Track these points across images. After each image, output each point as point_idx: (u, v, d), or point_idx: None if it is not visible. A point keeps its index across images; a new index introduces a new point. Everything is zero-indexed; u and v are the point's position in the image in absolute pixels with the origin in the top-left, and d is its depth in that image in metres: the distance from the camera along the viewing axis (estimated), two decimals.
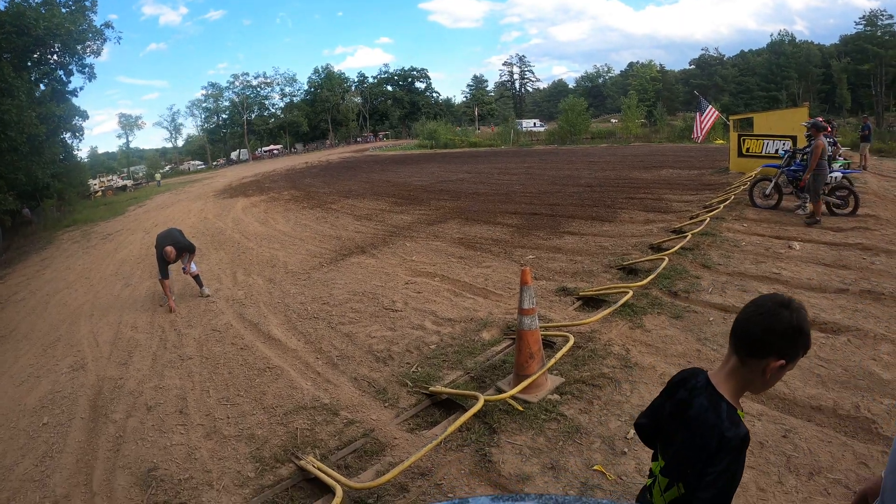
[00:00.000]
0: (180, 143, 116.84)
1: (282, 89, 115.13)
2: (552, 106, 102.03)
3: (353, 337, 7.19)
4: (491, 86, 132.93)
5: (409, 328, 7.27)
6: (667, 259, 8.38)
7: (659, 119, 64.22)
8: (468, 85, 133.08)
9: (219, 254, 14.09)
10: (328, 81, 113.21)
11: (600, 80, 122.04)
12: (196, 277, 10.45)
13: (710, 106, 24.46)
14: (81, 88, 43.58)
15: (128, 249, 18.04)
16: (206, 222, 20.72)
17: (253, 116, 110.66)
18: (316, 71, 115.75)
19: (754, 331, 1.76)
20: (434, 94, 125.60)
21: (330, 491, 3.90)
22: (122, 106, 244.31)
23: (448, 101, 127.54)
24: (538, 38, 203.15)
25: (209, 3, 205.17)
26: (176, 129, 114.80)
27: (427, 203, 18.41)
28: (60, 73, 40.54)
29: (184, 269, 10.28)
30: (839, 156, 13.56)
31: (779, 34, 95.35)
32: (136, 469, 4.80)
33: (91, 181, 67.85)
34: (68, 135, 44.99)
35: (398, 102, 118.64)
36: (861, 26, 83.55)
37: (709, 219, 11.28)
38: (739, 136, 19.84)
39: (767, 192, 12.55)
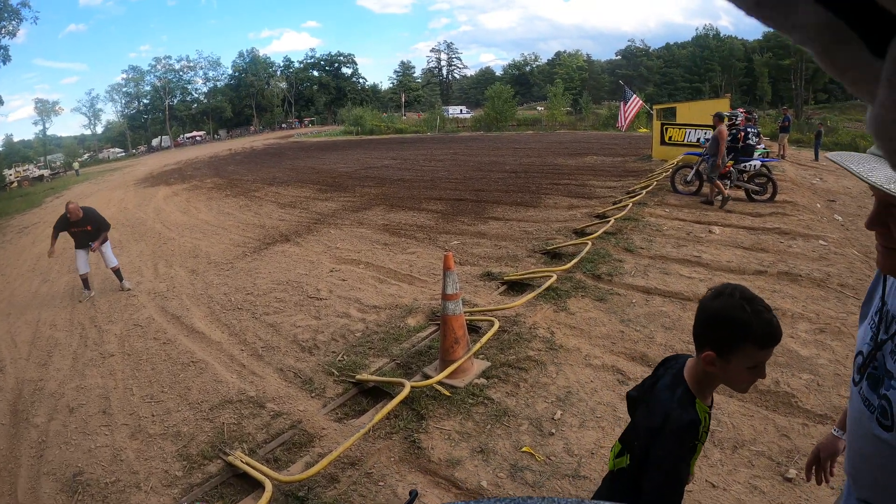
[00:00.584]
0: (99, 129, 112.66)
1: (205, 74, 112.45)
2: (479, 93, 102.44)
3: (277, 327, 7.11)
4: (418, 72, 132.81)
5: (334, 316, 7.23)
6: (590, 243, 8.56)
7: (584, 107, 65.69)
8: (395, 71, 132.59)
9: (139, 245, 13.70)
10: (253, 66, 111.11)
11: (527, 69, 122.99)
12: (116, 271, 10.12)
13: (635, 95, 25.04)
14: None
15: (45, 243, 17.24)
16: (126, 212, 20.10)
17: (175, 102, 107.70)
18: (241, 55, 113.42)
19: (694, 322, 1.79)
20: (361, 80, 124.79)
21: (259, 485, 3.87)
22: (39, 91, 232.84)
23: (375, 87, 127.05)
24: (467, 26, 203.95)
25: None
26: (95, 115, 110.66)
27: (352, 190, 18.34)
28: None
29: (91, 245, 9.84)
30: (759, 145, 14.06)
31: (704, 28, 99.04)
32: (61, 475, 4.64)
33: (6, 171, 64.88)
34: None
35: (324, 88, 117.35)
36: None
37: (631, 204, 11.59)
38: (662, 124, 20.39)
39: (688, 178, 12.96)
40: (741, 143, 12.44)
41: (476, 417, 4.53)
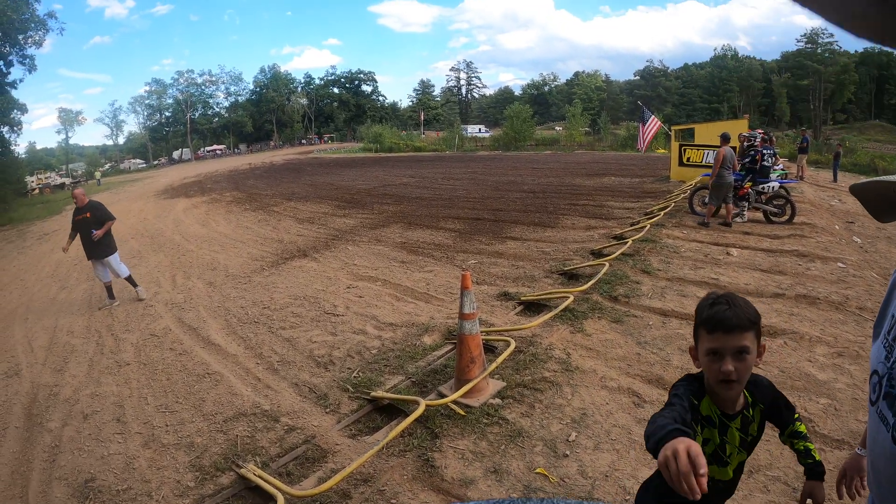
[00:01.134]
0: (121, 140, 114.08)
1: (227, 88, 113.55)
2: (498, 112, 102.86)
3: (293, 342, 7.12)
4: (437, 91, 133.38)
5: (350, 333, 7.23)
6: (608, 265, 8.51)
7: (603, 128, 65.75)
8: (415, 89, 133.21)
9: (158, 256, 13.80)
10: (274, 82, 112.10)
11: (546, 89, 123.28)
12: (129, 279, 10.18)
13: (653, 116, 24.99)
14: (21, 80, 42.27)
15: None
16: (145, 223, 20.29)
17: (196, 115, 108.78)
18: (262, 70, 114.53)
19: None
20: (380, 98, 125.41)
21: (271, 499, 3.85)
22: (63, 100, 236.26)
23: (394, 104, 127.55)
24: (486, 45, 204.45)
25: None
26: (117, 125, 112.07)
27: (370, 207, 18.39)
28: (0, 63, 39.09)
29: (92, 232, 9.68)
30: (776, 166, 14.00)
31: (722, 49, 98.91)
32: (72, 480, 4.66)
33: (28, 178, 65.60)
34: (6, 129, 43.30)
35: (344, 105, 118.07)
36: (802, 44, 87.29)
37: (649, 225, 11.54)
38: (680, 145, 20.35)
39: (707, 199, 12.89)
40: (758, 165, 12.40)
41: (490, 437, 4.51)
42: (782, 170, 14.70)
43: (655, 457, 1.54)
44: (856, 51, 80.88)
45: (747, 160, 12.54)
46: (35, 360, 7.82)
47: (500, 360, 5.38)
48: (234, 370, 6.42)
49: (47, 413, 5.98)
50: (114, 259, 10.01)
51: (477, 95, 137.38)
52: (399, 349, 6.51)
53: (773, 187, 12.21)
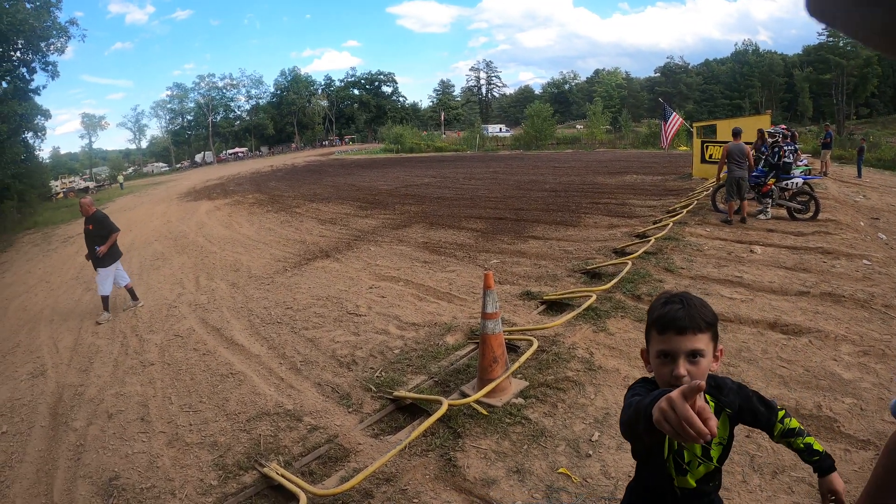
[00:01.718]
0: (144, 144, 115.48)
1: (248, 91, 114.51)
2: (518, 111, 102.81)
3: (316, 342, 7.14)
4: (458, 91, 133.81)
5: (372, 333, 7.23)
6: (630, 263, 8.47)
7: (624, 125, 65.29)
8: (435, 90, 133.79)
9: (181, 258, 13.92)
10: (295, 84, 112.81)
11: (566, 87, 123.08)
12: (129, 290, 10.16)
13: (675, 113, 24.87)
14: (44, 87, 42.82)
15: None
16: (169, 226, 20.49)
17: (218, 118, 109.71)
18: (282, 73, 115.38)
19: None
20: (401, 99, 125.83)
21: (294, 498, 3.86)
22: (86, 105, 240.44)
23: (415, 105, 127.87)
24: (505, 44, 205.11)
25: (176, 3, 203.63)
26: (140, 130, 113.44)
27: (392, 207, 18.41)
28: (23, 70, 39.54)
29: (96, 249, 9.66)
30: (799, 161, 13.82)
31: (743, 44, 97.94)
32: (97, 478, 4.70)
33: (53, 182, 66.64)
34: (30, 134, 43.88)
35: (364, 106, 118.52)
36: (823, 37, 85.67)
37: (672, 223, 11.46)
38: (703, 142, 20.17)
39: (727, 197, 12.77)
40: (780, 161, 12.25)
41: (513, 437, 4.49)
42: (806, 166, 14.48)
43: (644, 438, 1.51)
44: None
45: (767, 155, 12.42)
46: (60, 361, 7.92)
47: (522, 359, 5.35)
48: (257, 370, 6.45)
49: (72, 412, 6.05)
50: (102, 272, 9.83)
51: (497, 95, 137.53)
52: (422, 349, 6.50)
53: (796, 184, 12.06)
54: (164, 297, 10.42)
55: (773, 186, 12.19)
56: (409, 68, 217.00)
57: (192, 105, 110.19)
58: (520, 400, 5.02)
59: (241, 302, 9.35)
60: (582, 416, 4.72)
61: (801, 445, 1.98)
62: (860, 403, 4.63)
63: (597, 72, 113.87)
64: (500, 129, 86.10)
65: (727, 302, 7.17)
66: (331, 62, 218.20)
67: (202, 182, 42.77)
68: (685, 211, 12.83)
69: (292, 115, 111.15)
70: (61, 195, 61.11)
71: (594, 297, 7.08)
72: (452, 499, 3.90)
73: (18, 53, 35.85)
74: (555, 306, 7.55)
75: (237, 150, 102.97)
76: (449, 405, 4.56)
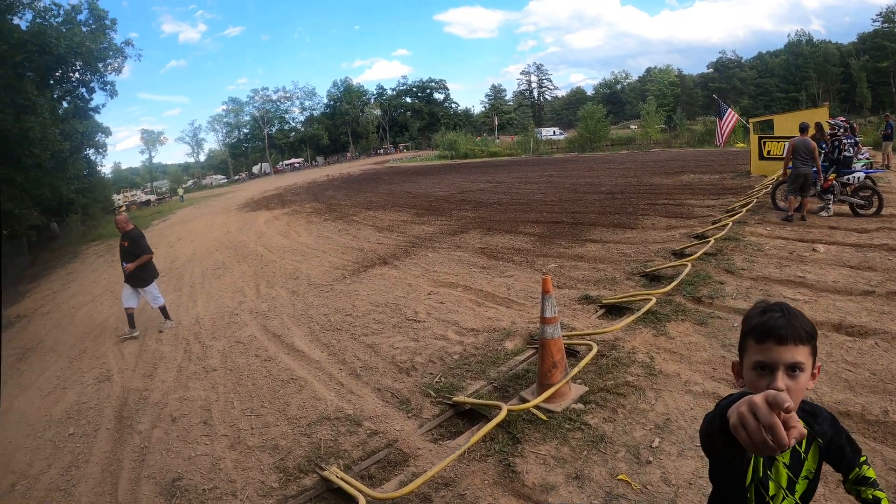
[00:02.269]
0: (202, 157, 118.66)
1: (301, 103, 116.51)
2: (571, 114, 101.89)
3: (376, 348, 7.19)
4: (509, 95, 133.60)
5: (432, 339, 7.25)
6: (690, 265, 8.30)
7: (679, 124, 64.15)
8: (486, 95, 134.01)
9: (242, 266, 14.20)
10: (347, 95, 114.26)
11: (618, 87, 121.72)
12: (162, 310, 10.15)
13: (730, 109, 24.37)
14: (104, 105, 44.80)
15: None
16: (229, 236, 20.91)
17: (273, 130, 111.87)
18: (335, 84, 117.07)
19: None
20: (453, 105, 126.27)
21: (353, 501, 3.88)
22: (145, 122, 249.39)
23: (467, 111, 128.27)
24: (555, 47, 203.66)
25: (228, 20, 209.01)
26: (198, 144, 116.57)
27: (448, 213, 18.44)
28: (83, 90, 41.44)
29: (124, 265, 9.80)
30: (860, 155, 13.38)
31: (796, 34, 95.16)
32: (160, 479, 4.83)
33: (115, 196, 69.18)
34: (92, 151, 45.95)
35: (417, 114, 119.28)
36: (878, 23, 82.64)
37: (731, 223, 11.24)
38: (760, 138, 19.72)
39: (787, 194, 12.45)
40: (841, 155, 11.88)
41: (572, 443, 4.44)
42: (867, 159, 13.98)
43: (717, 445, 1.42)
44: None
45: (827, 150, 12.08)
46: (126, 367, 8.17)
47: (582, 364, 5.31)
48: (317, 375, 6.53)
49: (137, 416, 6.23)
50: (149, 290, 10.02)
51: (549, 98, 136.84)
52: (481, 354, 6.49)
53: (858, 178, 11.67)
54: (225, 305, 10.65)
55: (833, 182, 11.84)
56: (459, 74, 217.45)
57: (247, 118, 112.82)
58: (579, 405, 4.97)
59: (301, 309, 9.48)
60: (642, 422, 4.64)
61: (870, 497, 1.83)
62: None
63: (648, 70, 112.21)
64: (554, 131, 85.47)
65: (790, 303, 6.97)
66: (382, 71, 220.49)
67: (260, 193, 43.57)
68: (744, 210, 12.54)
69: (346, 124, 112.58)
70: (123, 208, 63.21)
71: (654, 300, 6.96)
72: None
73: (77, 74, 37.57)
74: (614, 310, 7.45)
75: (293, 160, 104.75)
76: (508, 410, 4.54)
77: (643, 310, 6.72)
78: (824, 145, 12.32)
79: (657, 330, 6.45)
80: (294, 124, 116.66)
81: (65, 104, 41.96)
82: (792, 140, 11.47)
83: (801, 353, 1.59)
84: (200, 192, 79.50)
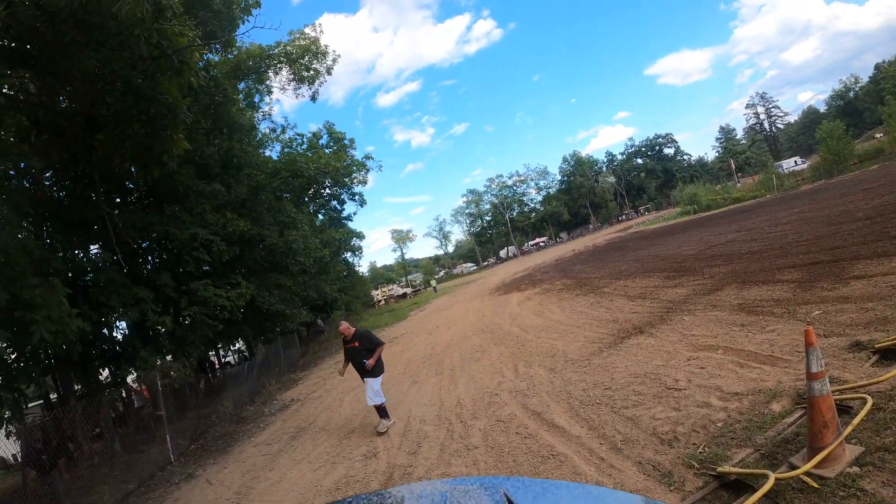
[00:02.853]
0: (450, 248, 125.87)
1: (536, 183, 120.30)
2: (809, 138, 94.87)
3: (636, 420, 7.14)
4: (740, 133, 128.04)
5: (694, 406, 7.06)
6: None
7: None
8: (716, 138, 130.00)
9: (499, 348, 14.72)
10: (579, 167, 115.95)
11: (851, 95, 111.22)
12: (379, 409, 10.50)
13: None
14: (355, 213, 50.94)
15: (413, 350, 19.54)
16: (484, 320, 21.76)
17: (514, 214, 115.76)
18: (564, 159, 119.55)
19: None
20: (685, 157, 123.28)
21: None
22: (393, 222, 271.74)
23: (701, 160, 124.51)
24: (772, 70, 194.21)
25: (452, 120, 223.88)
26: (444, 236, 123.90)
27: (700, 272, 17.75)
28: (334, 203, 47.51)
29: (365, 363, 10.31)
30: None
31: None
32: None
33: (374, 292, 75.33)
34: (349, 254, 51.97)
35: (651, 173, 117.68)
36: None
37: None
38: None
39: None
40: None
41: None
42: None
43: None
44: None
45: None
46: (391, 445, 8.89)
47: (855, 421, 4.92)
48: (577, 451, 6.63)
49: None
50: (372, 384, 10.38)
51: (781, 126, 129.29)
52: (746, 419, 6.21)
53: None
54: (485, 386, 11.14)
55: None
56: (684, 124, 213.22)
57: (487, 206, 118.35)
58: (855, 469, 4.59)
59: (560, 386, 9.65)
60: None
61: None
62: None
63: (878, 67, 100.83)
64: (795, 161, 79.91)
65: None
66: (607, 138, 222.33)
67: (509, 275, 44.92)
68: None
69: (583, 197, 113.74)
70: (382, 302, 68.69)
71: None
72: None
73: (328, 190, 43.07)
74: (889, 354, 6.79)
75: (538, 240, 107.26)
76: (776, 479, 4.35)
77: None
78: None
79: None
80: (533, 205, 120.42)
81: (321, 216, 47.89)
82: None
83: None
84: (452, 280, 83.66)
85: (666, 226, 56.33)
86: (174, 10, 11.82)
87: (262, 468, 10.96)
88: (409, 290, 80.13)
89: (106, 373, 20.96)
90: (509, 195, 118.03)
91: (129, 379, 22.16)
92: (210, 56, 24.29)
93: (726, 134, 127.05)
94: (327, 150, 42.47)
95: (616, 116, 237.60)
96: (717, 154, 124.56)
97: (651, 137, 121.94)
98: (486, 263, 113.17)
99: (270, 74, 34.07)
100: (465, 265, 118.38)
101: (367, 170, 44.14)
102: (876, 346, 7.04)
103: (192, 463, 13.73)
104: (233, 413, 18.19)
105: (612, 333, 12.55)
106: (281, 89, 36.53)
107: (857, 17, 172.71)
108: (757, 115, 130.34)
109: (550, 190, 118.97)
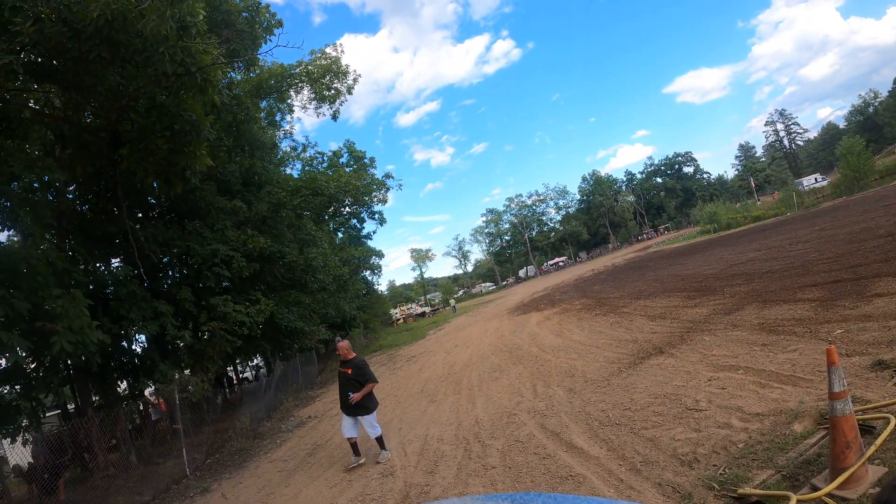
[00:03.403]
0: (469, 267, 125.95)
1: (555, 203, 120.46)
2: (829, 154, 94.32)
3: (656, 441, 7.06)
4: (759, 151, 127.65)
5: (714, 427, 6.97)
6: None
7: None
8: (736, 156, 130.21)
9: (518, 368, 14.66)
10: (598, 186, 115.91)
11: (870, 110, 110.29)
12: (378, 440, 10.22)
13: None
14: (374, 232, 51.34)
15: (431, 370, 19.49)
16: (503, 339, 21.70)
17: (534, 233, 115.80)
18: (584, 179, 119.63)
19: None
20: (704, 176, 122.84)
21: None
22: (413, 241, 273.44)
23: (720, 178, 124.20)
24: (791, 86, 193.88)
25: (471, 139, 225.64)
26: (463, 255, 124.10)
27: (720, 291, 17.59)
28: (354, 221, 48.03)
29: (350, 395, 9.96)
30: None
31: None
32: None
33: (392, 310, 75.53)
34: (368, 272, 52.10)
35: (671, 192, 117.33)
36: None
37: None
38: None
39: None
40: None
41: None
42: None
43: None
44: None
45: None
46: (408, 464, 8.85)
47: (878, 441, 4.83)
48: (596, 472, 6.56)
49: None
50: (368, 419, 10.07)
51: (801, 143, 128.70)
52: (767, 440, 6.12)
53: None
54: (503, 406, 11.09)
55: None
56: (703, 142, 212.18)
57: (506, 226, 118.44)
58: (878, 490, 4.52)
59: (579, 406, 9.57)
60: None
61: None
62: None
63: None
64: (815, 178, 79.08)
65: None
66: (626, 157, 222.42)
67: (528, 295, 44.82)
68: None
69: (602, 216, 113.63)
70: (401, 321, 68.86)
71: None
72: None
73: (348, 209, 43.14)
74: None
75: (557, 259, 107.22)
76: (797, 501, 4.28)
77: None
78: None
79: None
80: (552, 224, 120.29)
81: (340, 234, 48.38)
82: None
83: None
84: (471, 300, 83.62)
85: (685, 245, 56.05)
86: (198, 28, 11.96)
87: (277, 484, 10.95)
88: (427, 310, 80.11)
89: (124, 385, 21.15)
90: (528, 215, 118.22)
91: (147, 392, 22.37)
92: (233, 74, 24.57)
93: (746, 152, 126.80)
94: (348, 169, 42.93)
95: (635, 135, 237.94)
96: (736, 172, 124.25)
97: (670, 156, 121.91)
98: (505, 283, 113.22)
99: (292, 93, 34.44)
100: (484, 285, 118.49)
101: (387, 188, 44.43)
102: None
103: (207, 477, 13.74)
104: (249, 428, 18.21)
105: (631, 353, 12.47)
106: (302, 108, 36.79)
107: (874, 32, 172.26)
108: (776, 132, 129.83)
109: (570, 209, 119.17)
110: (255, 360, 42.97)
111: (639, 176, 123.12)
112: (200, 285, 22.01)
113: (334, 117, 36.12)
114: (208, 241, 21.85)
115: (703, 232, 67.05)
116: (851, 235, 20.73)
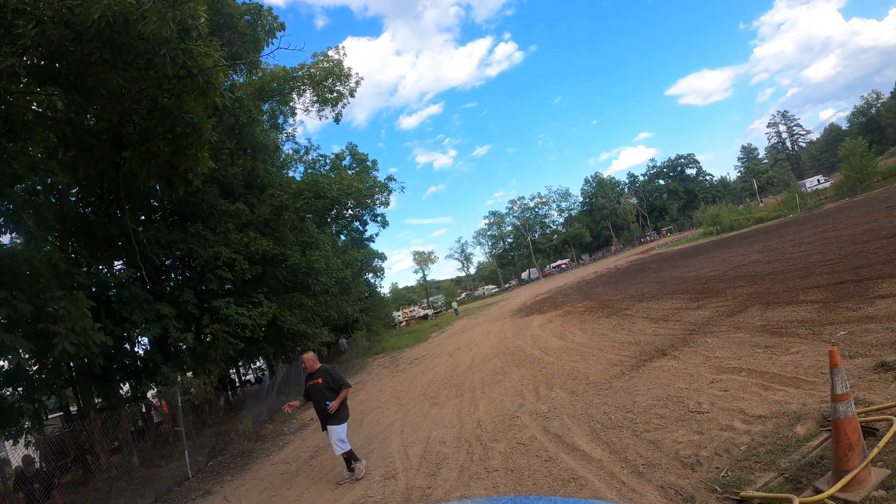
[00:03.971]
0: (472, 270, 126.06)
1: (558, 205, 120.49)
2: (831, 156, 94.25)
3: (658, 444, 7.03)
4: (762, 153, 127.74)
5: (717, 430, 6.94)
6: None
7: None
8: (738, 158, 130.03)
9: (521, 370, 14.63)
10: (601, 189, 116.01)
11: (873, 111, 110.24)
12: (346, 456, 9.59)
13: None
14: (377, 234, 51.18)
15: (434, 372, 19.47)
16: (505, 342, 21.67)
17: (536, 236, 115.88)
18: (586, 181, 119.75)
19: None
20: (707, 178, 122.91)
21: None
22: (415, 244, 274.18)
23: (723, 180, 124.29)
24: (793, 88, 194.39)
25: (474, 142, 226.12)
26: (466, 258, 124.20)
27: (723, 293, 17.56)
28: (356, 224, 48.10)
29: (327, 405, 9.20)
30: None
31: None
32: None
33: (395, 313, 75.66)
34: (371, 275, 52.31)
35: (673, 194, 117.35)
36: None
37: None
38: None
39: None
40: None
41: None
42: None
43: None
44: None
45: None
46: (410, 466, 8.85)
47: (881, 443, 4.82)
48: (598, 474, 6.54)
49: None
50: (338, 431, 9.33)
51: (804, 144, 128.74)
52: (770, 443, 6.10)
53: None
54: (506, 409, 11.05)
55: None
56: (706, 144, 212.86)
57: (509, 228, 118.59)
58: (881, 492, 4.47)
59: (581, 409, 9.55)
60: None
61: None
62: None
63: None
64: (818, 180, 79.07)
65: None
66: (629, 159, 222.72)
67: (531, 297, 44.82)
68: None
69: (605, 218, 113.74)
70: (403, 323, 69.00)
71: None
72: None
73: (350, 211, 43.35)
74: None
75: (559, 262, 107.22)
76: (800, 503, 4.26)
77: None
78: None
79: None
80: (555, 227, 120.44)
81: (343, 237, 48.41)
82: None
83: None
84: (474, 302, 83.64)
85: (688, 247, 56.01)
86: (199, 30, 11.97)
87: (279, 487, 10.94)
88: (430, 312, 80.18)
89: (126, 387, 21.17)
90: (531, 217, 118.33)
91: (149, 394, 22.39)
92: (235, 77, 24.64)
93: (748, 153, 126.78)
94: (350, 172, 43.02)
95: (637, 137, 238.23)
96: (739, 174, 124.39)
97: (673, 158, 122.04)
98: (507, 285, 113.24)
99: (294, 96, 34.46)
100: (486, 287, 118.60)
101: (390, 191, 44.50)
102: None
103: (209, 479, 13.74)
104: (252, 431, 18.23)
105: (634, 356, 12.44)
106: (304, 111, 36.85)
107: (876, 33, 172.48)
108: (779, 133, 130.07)
109: (572, 212, 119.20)
110: (258, 363, 43.00)
111: (641, 178, 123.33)
112: (203, 288, 22.04)
113: (337, 120, 36.17)
114: (211, 243, 21.91)
115: (706, 234, 67.02)
116: (854, 237, 20.70)
